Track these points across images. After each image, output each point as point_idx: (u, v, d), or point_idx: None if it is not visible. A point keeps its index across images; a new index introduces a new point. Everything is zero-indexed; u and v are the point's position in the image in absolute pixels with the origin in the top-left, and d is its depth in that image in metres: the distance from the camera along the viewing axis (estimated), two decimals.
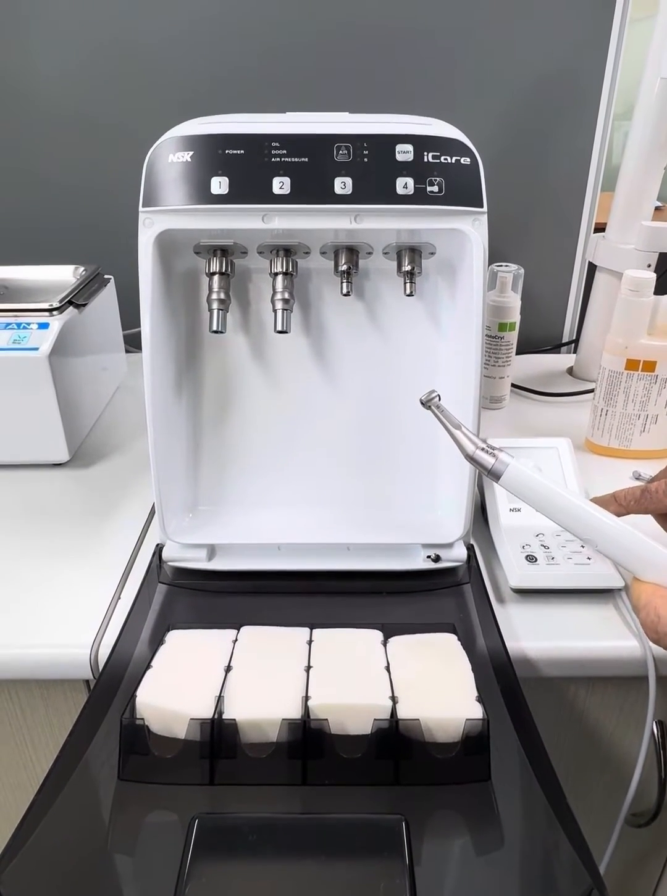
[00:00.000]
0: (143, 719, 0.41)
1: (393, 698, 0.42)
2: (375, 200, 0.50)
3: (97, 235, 0.96)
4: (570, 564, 0.56)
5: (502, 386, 0.89)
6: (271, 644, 0.48)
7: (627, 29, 0.89)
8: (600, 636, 0.53)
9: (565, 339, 1.09)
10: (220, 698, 0.42)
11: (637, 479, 0.71)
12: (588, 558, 0.56)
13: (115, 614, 0.55)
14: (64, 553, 0.62)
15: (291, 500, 0.60)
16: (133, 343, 0.92)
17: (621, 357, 0.72)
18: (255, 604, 0.56)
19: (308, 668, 0.45)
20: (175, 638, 0.49)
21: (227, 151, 0.50)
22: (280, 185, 0.50)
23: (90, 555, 0.62)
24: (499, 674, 0.47)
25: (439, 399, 0.38)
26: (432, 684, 0.44)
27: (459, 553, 0.58)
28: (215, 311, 0.53)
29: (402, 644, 0.48)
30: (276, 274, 0.53)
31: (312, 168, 0.50)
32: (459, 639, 0.49)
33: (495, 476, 0.36)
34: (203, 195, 0.50)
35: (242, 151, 0.50)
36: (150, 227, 0.51)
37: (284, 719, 0.40)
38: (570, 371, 1.00)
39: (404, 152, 0.50)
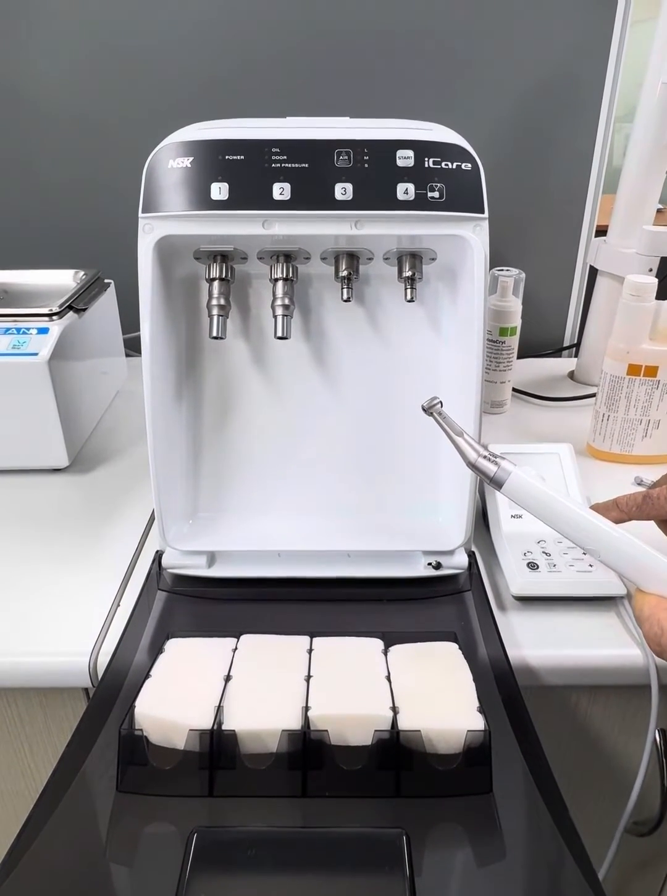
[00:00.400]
0: (141, 730, 0.41)
1: (394, 708, 0.41)
2: (376, 206, 0.50)
3: (97, 239, 0.96)
4: (572, 572, 0.56)
5: (504, 390, 0.89)
6: (271, 653, 0.47)
7: (628, 31, 0.89)
8: (602, 644, 0.52)
9: (567, 344, 1.09)
10: (219, 708, 0.41)
11: (639, 484, 0.71)
12: (590, 565, 0.56)
13: (115, 622, 0.54)
14: (63, 559, 0.62)
15: (292, 507, 0.60)
16: (133, 347, 0.92)
17: (622, 362, 0.72)
18: (255, 611, 0.56)
19: (308, 677, 0.44)
20: (174, 646, 0.49)
21: (227, 157, 0.50)
22: (280, 190, 0.50)
23: (89, 561, 0.61)
24: (500, 682, 0.47)
25: (441, 406, 0.37)
26: (434, 694, 0.43)
27: (460, 560, 0.57)
28: (215, 317, 0.52)
29: (403, 653, 0.47)
30: (276, 279, 0.53)
31: (312, 173, 0.50)
32: (460, 647, 0.48)
33: (497, 484, 0.36)
34: (203, 201, 0.50)
35: (242, 157, 0.50)
36: (149, 233, 0.51)
37: (283, 730, 0.40)
38: (571, 375, 1.00)
39: (405, 158, 0.50)
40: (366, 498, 0.60)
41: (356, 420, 0.59)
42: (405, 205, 0.50)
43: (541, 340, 1.07)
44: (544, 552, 0.58)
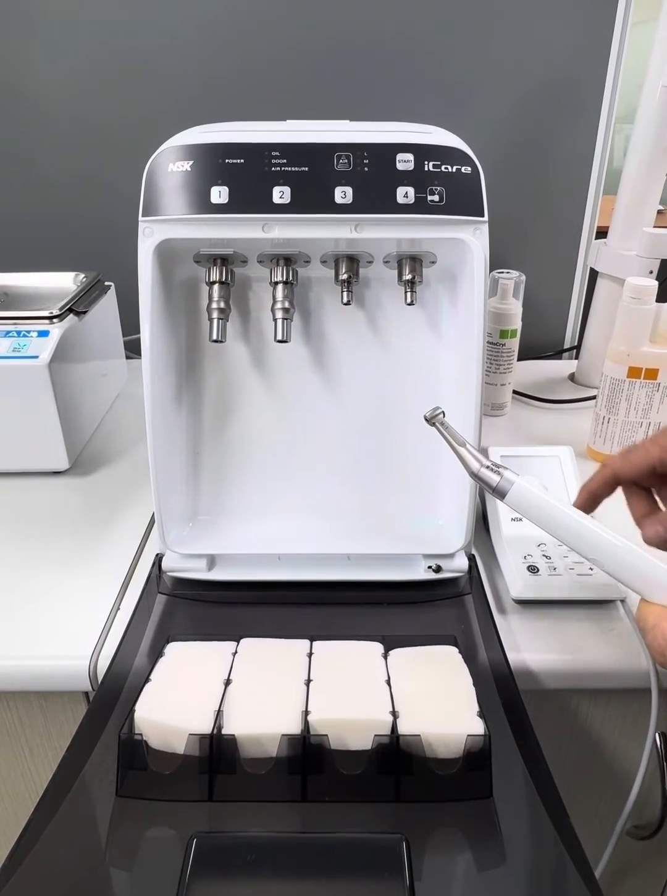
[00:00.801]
0: (141, 734, 0.41)
1: (394, 713, 0.41)
2: (376, 210, 0.50)
3: (98, 241, 0.96)
4: (572, 575, 0.56)
5: (504, 393, 0.89)
6: (271, 657, 0.47)
7: (628, 33, 0.89)
8: (602, 648, 0.52)
9: (567, 346, 1.09)
10: (219, 713, 0.41)
11: None
12: (590, 569, 0.56)
13: (115, 625, 0.54)
14: (63, 562, 0.62)
15: (292, 510, 0.60)
16: (134, 349, 0.92)
17: (622, 365, 0.72)
18: (255, 614, 0.56)
19: (308, 681, 0.44)
20: (174, 650, 0.49)
21: (227, 161, 0.50)
22: (280, 194, 0.50)
23: (89, 564, 0.61)
24: (500, 686, 0.47)
25: (444, 415, 0.37)
26: (433, 699, 0.43)
27: (461, 563, 0.57)
28: (215, 321, 0.52)
29: (403, 657, 0.47)
30: (276, 283, 0.53)
31: (312, 177, 0.50)
32: (460, 651, 0.48)
33: (500, 494, 0.36)
34: (203, 205, 0.50)
35: (242, 161, 0.50)
36: (150, 237, 0.51)
37: (283, 734, 0.40)
38: (571, 377, 1.00)
39: (405, 161, 0.50)
40: (366, 501, 0.60)
41: (356, 423, 0.59)
42: (405, 208, 0.50)
43: (541, 343, 1.07)
44: (544, 555, 0.57)
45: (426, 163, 0.50)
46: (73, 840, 0.38)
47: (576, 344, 1.08)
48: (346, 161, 0.50)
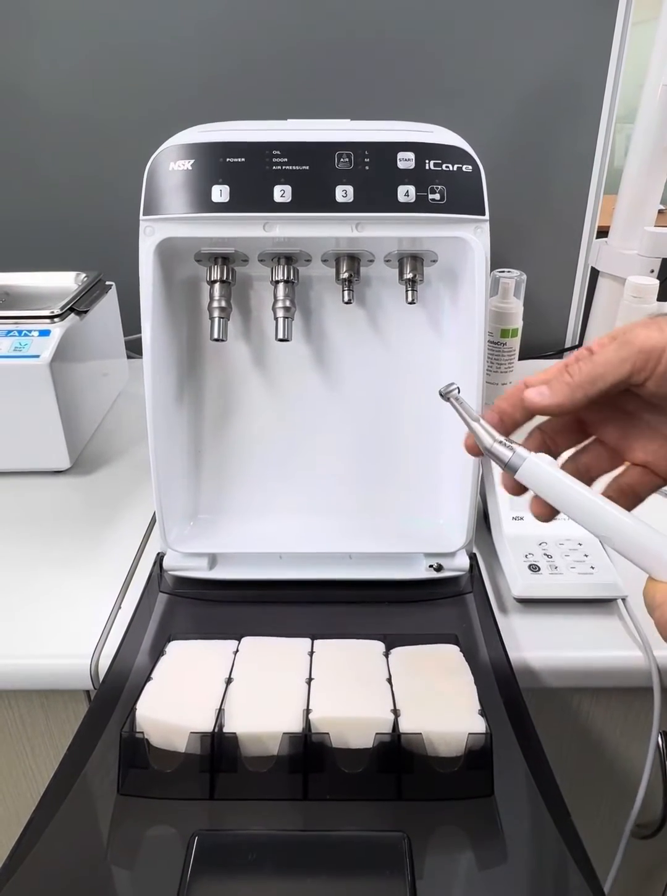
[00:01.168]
0: (142, 732, 0.41)
1: (395, 711, 0.41)
2: (377, 208, 0.50)
3: (98, 241, 0.96)
4: (573, 574, 0.56)
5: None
6: (272, 655, 0.47)
7: (629, 32, 0.89)
8: (603, 646, 0.52)
9: (568, 345, 1.08)
10: (220, 711, 0.41)
11: None
12: (592, 567, 0.56)
13: (116, 624, 0.54)
14: (64, 562, 0.62)
15: (293, 509, 0.60)
16: (135, 348, 0.92)
17: None
18: (256, 613, 0.56)
19: (309, 679, 0.44)
20: (175, 649, 0.49)
21: (227, 160, 0.50)
22: (281, 193, 0.49)
23: (90, 563, 0.61)
24: (502, 685, 0.47)
25: (458, 391, 0.38)
26: (435, 697, 0.43)
27: (462, 562, 0.57)
28: (216, 319, 0.52)
29: (404, 655, 0.47)
30: (277, 282, 0.53)
31: (313, 176, 0.50)
32: (461, 649, 0.48)
33: (512, 469, 0.36)
34: (204, 203, 0.50)
35: (243, 160, 0.50)
36: (150, 236, 0.51)
37: (284, 733, 0.40)
38: None
39: (406, 160, 0.50)
40: (367, 500, 0.60)
41: (357, 422, 0.59)
42: (406, 207, 0.50)
43: (542, 342, 1.07)
44: (545, 554, 0.57)
45: (427, 161, 0.50)
46: (75, 838, 0.38)
47: (577, 343, 1.08)
48: (347, 160, 0.50)
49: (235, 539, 0.58)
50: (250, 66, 0.90)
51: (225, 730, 0.40)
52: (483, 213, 0.51)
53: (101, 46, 0.90)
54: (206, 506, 0.60)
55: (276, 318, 0.52)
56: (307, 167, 0.50)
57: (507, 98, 0.92)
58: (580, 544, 0.58)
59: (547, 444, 0.40)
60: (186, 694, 0.44)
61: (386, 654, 0.47)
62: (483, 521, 0.64)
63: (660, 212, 0.90)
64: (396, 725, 0.41)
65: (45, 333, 0.70)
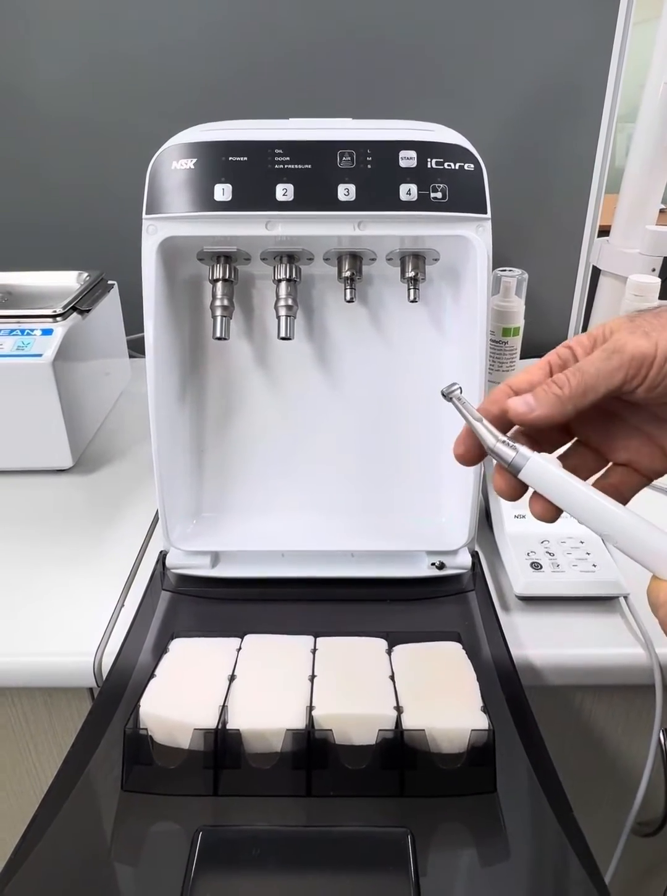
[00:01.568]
0: (146, 729, 0.41)
1: (398, 708, 0.42)
2: (379, 207, 0.50)
3: (101, 240, 0.96)
4: (575, 572, 0.56)
5: None
6: (275, 653, 0.48)
7: (630, 31, 0.89)
8: (605, 644, 0.52)
9: None
10: (223, 708, 0.42)
11: None
12: (594, 565, 0.56)
13: (119, 622, 0.54)
14: (67, 560, 0.62)
15: (295, 507, 0.60)
16: (137, 347, 0.92)
17: None
18: (258, 611, 0.56)
19: (312, 677, 0.44)
20: (179, 646, 0.49)
21: (230, 158, 0.50)
22: (283, 191, 0.50)
23: (93, 561, 0.62)
24: (504, 682, 0.47)
25: (461, 391, 0.38)
26: (437, 694, 0.44)
27: (464, 560, 0.57)
28: (219, 318, 0.52)
29: (406, 653, 0.48)
30: (279, 280, 0.53)
31: (315, 175, 0.50)
32: (463, 647, 0.48)
33: (515, 470, 0.36)
34: (206, 202, 0.50)
35: (246, 158, 0.50)
36: (153, 235, 0.51)
37: (288, 729, 0.40)
38: None
39: (408, 159, 0.50)
40: (369, 498, 0.60)
41: (359, 420, 0.59)
42: (408, 205, 0.50)
43: (544, 341, 1.06)
44: (547, 552, 0.58)
45: (429, 160, 0.50)
46: (79, 834, 0.38)
47: None
48: (349, 158, 0.50)
49: (237, 537, 0.58)
50: (252, 68, 0.90)
51: (228, 726, 0.41)
52: (485, 212, 0.51)
53: (102, 48, 0.90)
54: (208, 504, 0.60)
55: (278, 317, 0.53)
56: (309, 166, 0.50)
57: (508, 98, 0.92)
58: (582, 542, 0.58)
59: (532, 446, 0.40)
60: (190, 691, 0.44)
61: (389, 652, 0.48)
62: (485, 519, 0.64)
63: (662, 211, 0.90)
64: (398, 722, 0.41)
65: (47, 332, 0.71)
